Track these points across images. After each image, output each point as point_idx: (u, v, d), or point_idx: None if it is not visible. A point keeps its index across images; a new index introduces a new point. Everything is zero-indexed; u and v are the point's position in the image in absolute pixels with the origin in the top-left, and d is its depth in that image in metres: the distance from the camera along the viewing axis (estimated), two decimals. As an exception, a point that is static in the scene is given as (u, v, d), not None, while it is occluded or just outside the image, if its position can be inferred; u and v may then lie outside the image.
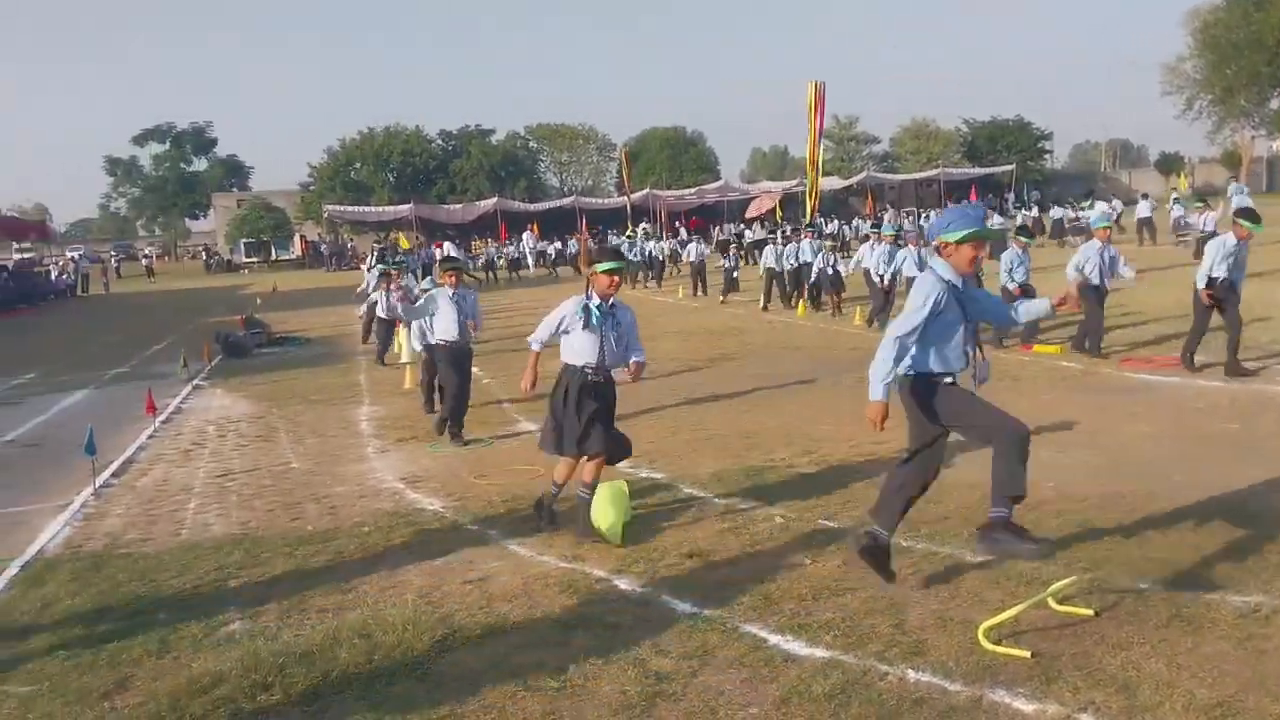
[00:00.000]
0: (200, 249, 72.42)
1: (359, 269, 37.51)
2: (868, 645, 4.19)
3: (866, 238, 18.50)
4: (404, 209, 54.39)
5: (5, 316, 31.21)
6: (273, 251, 60.41)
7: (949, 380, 4.60)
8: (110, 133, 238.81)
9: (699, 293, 23.49)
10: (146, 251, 65.21)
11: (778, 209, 47.79)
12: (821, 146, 27.93)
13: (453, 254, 32.38)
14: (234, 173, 77.89)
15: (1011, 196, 54.46)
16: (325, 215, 58.86)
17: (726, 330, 16.45)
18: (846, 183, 58.78)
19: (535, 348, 6.17)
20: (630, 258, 28.56)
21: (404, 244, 40.82)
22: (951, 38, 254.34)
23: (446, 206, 58.09)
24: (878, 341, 4.78)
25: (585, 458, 5.90)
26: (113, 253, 67.88)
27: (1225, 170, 65.68)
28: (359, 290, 19.49)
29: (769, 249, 19.76)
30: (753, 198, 54.79)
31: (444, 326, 9.01)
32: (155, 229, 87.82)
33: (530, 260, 40.33)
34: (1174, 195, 31.60)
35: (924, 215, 45.64)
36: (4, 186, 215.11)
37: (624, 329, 6.02)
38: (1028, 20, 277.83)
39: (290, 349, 18.02)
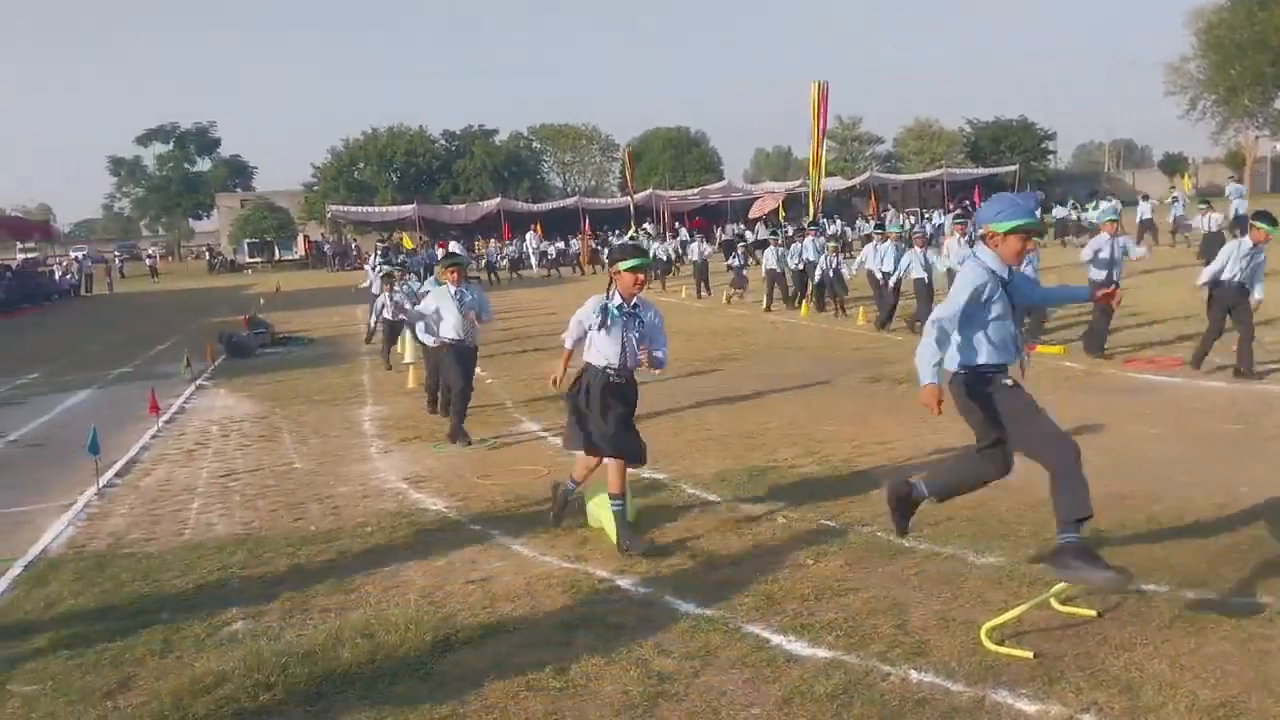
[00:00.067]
0: (204, 249, 72.53)
1: (362, 269, 37.55)
2: (870, 646, 4.19)
3: (869, 238, 18.45)
4: (407, 209, 54.46)
5: (9, 316, 31.27)
6: (276, 252, 60.46)
7: (1006, 380, 4.40)
8: (111, 133, 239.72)
9: (702, 293, 23.50)
10: (150, 251, 65.23)
11: (781, 209, 47.77)
12: (825, 147, 27.93)
13: (456, 252, 32.33)
14: (238, 173, 78.07)
15: (1015, 197, 54.36)
16: (329, 215, 58.93)
17: (729, 331, 16.45)
18: (850, 183, 58.77)
19: (568, 345, 5.99)
20: None
21: (407, 244, 40.85)
22: (951, 38, 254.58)
23: (450, 207, 58.14)
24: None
25: (610, 464, 5.71)
26: (116, 253, 67.97)
27: (1230, 171, 65.57)
28: (362, 286, 19.52)
29: (769, 250, 19.75)
30: (756, 198, 54.77)
31: (447, 326, 8.85)
32: (159, 229, 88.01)
33: (534, 260, 40.34)
34: (1173, 195, 31.51)
35: (926, 216, 45.60)
36: (5, 187, 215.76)
37: (648, 329, 5.80)
38: (1028, 20, 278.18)
39: (293, 349, 18.04)
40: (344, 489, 7.59)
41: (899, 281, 14.99)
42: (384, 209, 57.13)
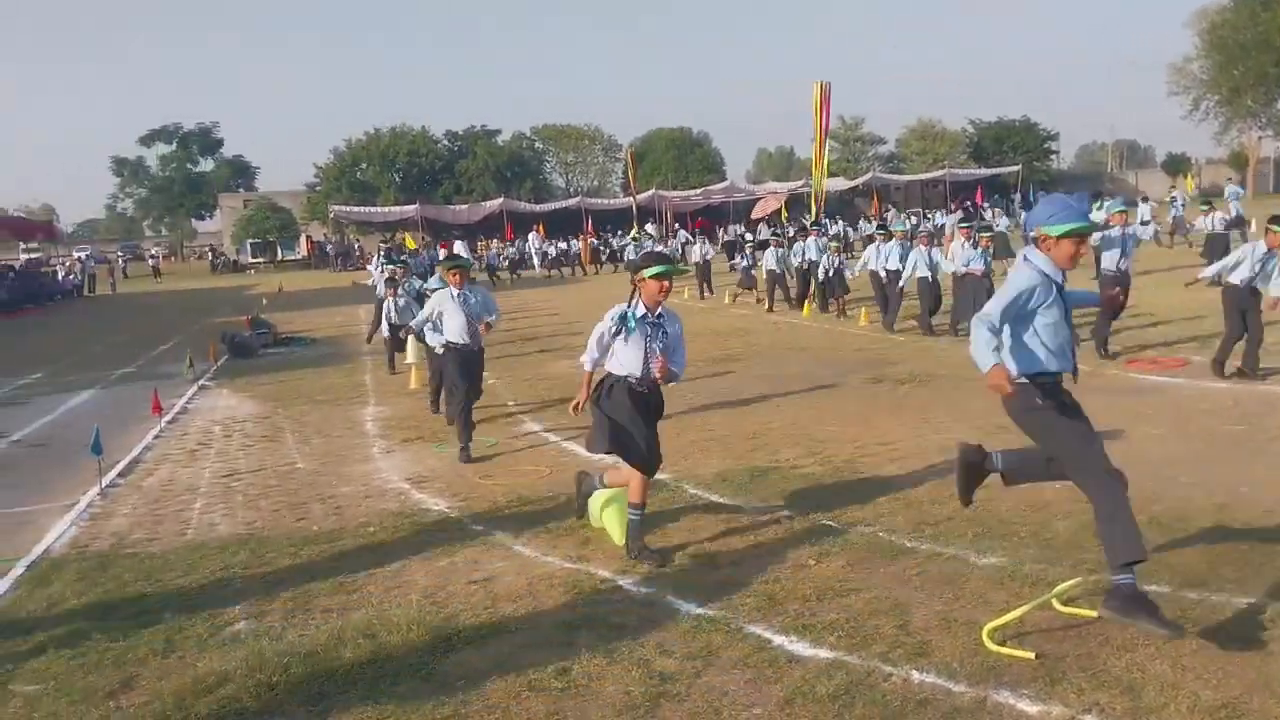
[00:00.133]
0: (206, 249, 72.55)
1: (364, 269, 37.57)
2: (872, 646, 4.19)
3: (871, 238, 18.43)
4: (410, 209, 54.45)
5: (12, 316, 31.31)
6: (278, 252, 60.44)
7: (1062, 394, 4.24)
8: (111, 133, 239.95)
9: (705, 294, 23.51)
10: (153, 252, 65.23)
11: (783, 210, 47.75)
12: (827, 147, 27.90)
13: (460, 252, 32.28)
14: (240, 173, 78.06)
15: (1018, 197, 54.36)
16: (331, 216, 58.94)
17: (732, 331, 16.45)
18: (852, 183, 58.73)
19: (588, 367, 5.73)
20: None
21: (410, 244, 40.87)
22: (951, 38, 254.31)
23: (452, 207, 58.14)
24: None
25: (635, 474, 5.59)
26: (119, 253, 68.02)
27: (1233, 171, 65.51)
28: (365, 284, 19.50)
29: (770, 251, 19.76)
30: (758, 198, 54.76)
31: (452, 329, 8.58)
32: (162, 229, 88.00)
33: (536, 261, 40.36)
34: (1172, 195, 31.47)
35: (928, 216, 45.57)
36: (6, 187, 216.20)
37: (671, 339, 5.61)
38: (1028, 20, 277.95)
39: (296, 349, 18.06)
40: (346, 489, 7.60)
41: (899, 278, 14.96)
42: (386, 209, 57.11)
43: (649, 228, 43.75)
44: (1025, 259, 4.33)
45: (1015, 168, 59.66)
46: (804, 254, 18.83)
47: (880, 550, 5.38)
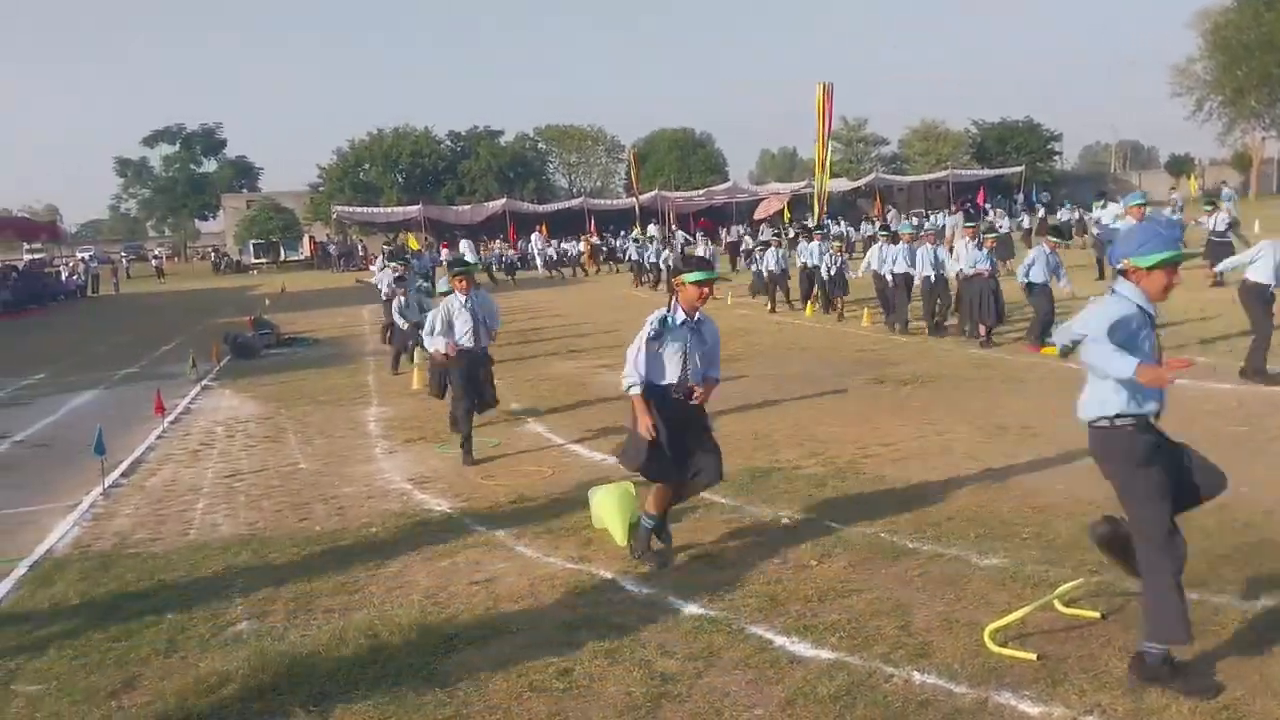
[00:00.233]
0: (209, 250, 72.62)
1: (367, 269, 37.60)
2: (873, 647, 4.19)
3: (873, 239, 18.39)
4: (413, 210, 54.48)
5: (16, 317, 31.37)
6: (281, 252, 60.54)
7: (1152, 437, 3.91)
8: (112, 133, 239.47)
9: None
10: (156, 252, 65.26)
11: (786, 210, 47.71)
12: (830, 148, 27.88)
13: (467, 255, 32.23)
14: (243, 174, 78.11)
15: (1020, 198, 54.32)
16: (334, 216, 58.93)
17: (734, 331, 16.43)
18: (855, 184, 58.68)
19: (635, 391, 5.36)
20: (643, 260, 28.56)
21: (413, 244, 40.90)
22: (952, 38, 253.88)
23: (455, 207, 58.15)
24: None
25: (660, 485, 5.49)
26: (123, 253, 68.15)
27: (1236, 172, 65.43)
28: (369, 282, 19.49)
29: (770, 252, 19.74)
30: (761, 199, 54.76)
31: (459, 334, 8.52)
32: (165, 230, 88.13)
33: (539, 261, 40.38)
34: (1172, 196, 31.44)
35: (930, 216, 45.53)
36: (8, 187, 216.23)
37: (709, 346, 5.49)
38: (1028, 20, 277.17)
39: (299, 350, 18.07)
40: (349, 489, 7.61)
41: (909, 281, 14.92)
42: (389, 210, 57.14)
43: (651, 228, 43.75)
44: (1114, 291, 3.99)
45: (1018, 168, 59.57)
46: (810, 256, 18.75)
47: (882, 551, 5.38)
